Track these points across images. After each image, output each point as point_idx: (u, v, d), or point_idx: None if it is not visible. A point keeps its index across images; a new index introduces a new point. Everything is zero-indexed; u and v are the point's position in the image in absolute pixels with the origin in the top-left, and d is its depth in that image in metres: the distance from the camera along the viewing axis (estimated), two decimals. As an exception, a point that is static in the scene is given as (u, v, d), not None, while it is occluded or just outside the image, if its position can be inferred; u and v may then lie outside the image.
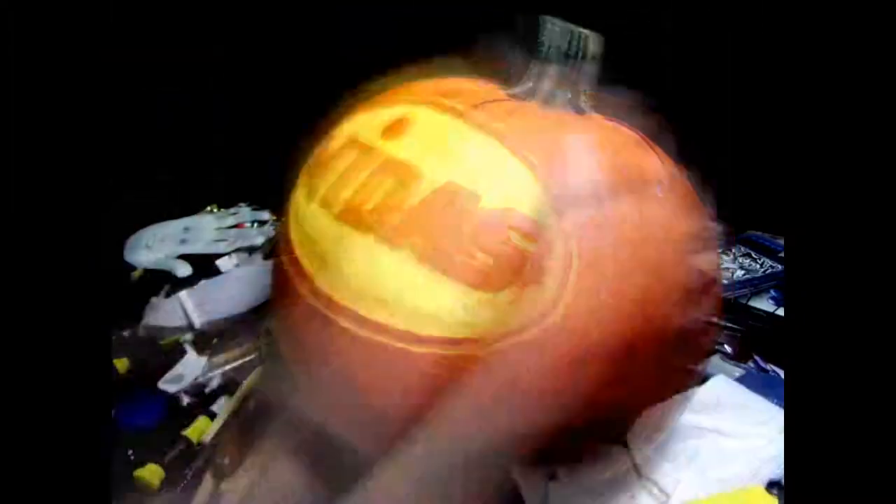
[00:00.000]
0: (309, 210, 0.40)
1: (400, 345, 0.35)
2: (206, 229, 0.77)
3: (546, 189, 0.36)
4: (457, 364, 0.35)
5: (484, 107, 0.40)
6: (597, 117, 0.45)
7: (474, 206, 0.36)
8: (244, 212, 0.84)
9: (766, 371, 0.61)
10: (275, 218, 0.84)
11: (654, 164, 0.41)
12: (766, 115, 0.71)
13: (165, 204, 0.78)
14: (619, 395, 0.37)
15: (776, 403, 0.55)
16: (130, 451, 0.51)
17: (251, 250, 0.77)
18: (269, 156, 0.84)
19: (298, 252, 0.40)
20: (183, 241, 0.74)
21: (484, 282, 0.35)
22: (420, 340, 0.35)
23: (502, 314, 0.34)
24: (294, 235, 0.41)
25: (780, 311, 0.67)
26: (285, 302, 0.40)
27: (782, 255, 0.75)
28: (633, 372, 0.37)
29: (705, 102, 0.74)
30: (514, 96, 0.44)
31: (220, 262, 0.74)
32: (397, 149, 0.39)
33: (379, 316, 0.35)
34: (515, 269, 0.35)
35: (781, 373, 0.60)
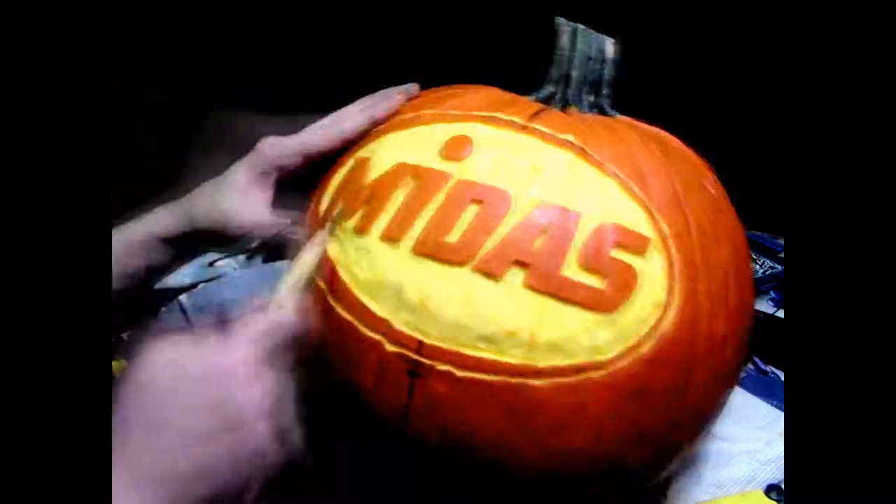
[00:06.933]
0: (367, 247, 0.36)
1: (516, 380, 0.33)
2: None
3: (635, 198, 0.35)
4: (580, 390, 0.34)
5: (540, 118, 0.38)
6: (629, 120, 0.44)
7: (575, 225, 0.34)
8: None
9: (765, 373, 0.61)
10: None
11: (698, 161, 0.42)
12: (765, 115, 0.71)
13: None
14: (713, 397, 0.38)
15: (776, 406, 0.55)
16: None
17: (250, 253, 0.77)
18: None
19: (360, 296, 0.36)
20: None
21: (600, 303, 0.33)
22: (539, 373, 0.33)
23: (622, 332, 0.34)
24: (348, 278, 0.36)
25: (780, 313, 0.66)
26: (351, 357, 0.36)
27: (782, 255, 0.75)
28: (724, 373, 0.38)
29: (705, 103, 0.74)
30: (540, 102, 0.43)
31: (219, 265, 0.74)
32: (467, 171, 0.36)
33: (487, 353, 0.33)
34: (628, 285, 0.34)
35: (781, 375, 0.60)
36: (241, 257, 0.76)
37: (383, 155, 0.39)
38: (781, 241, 0.78)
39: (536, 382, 0.33)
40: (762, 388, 0.57)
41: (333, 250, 0.38)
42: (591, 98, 0.44)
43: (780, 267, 0.73)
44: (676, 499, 0.47)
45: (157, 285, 0.68)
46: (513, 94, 0.43)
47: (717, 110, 0.76)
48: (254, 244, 0.68)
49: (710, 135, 0.44)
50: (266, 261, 0.78)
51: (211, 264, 0.73)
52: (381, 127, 0.42)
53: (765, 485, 0.48)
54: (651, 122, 0.44)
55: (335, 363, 0.37)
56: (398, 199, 0.36)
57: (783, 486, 0.47)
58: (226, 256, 0.76)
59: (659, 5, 0.77)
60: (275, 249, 0.46)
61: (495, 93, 0.43)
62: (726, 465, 0.49)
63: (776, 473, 0.48)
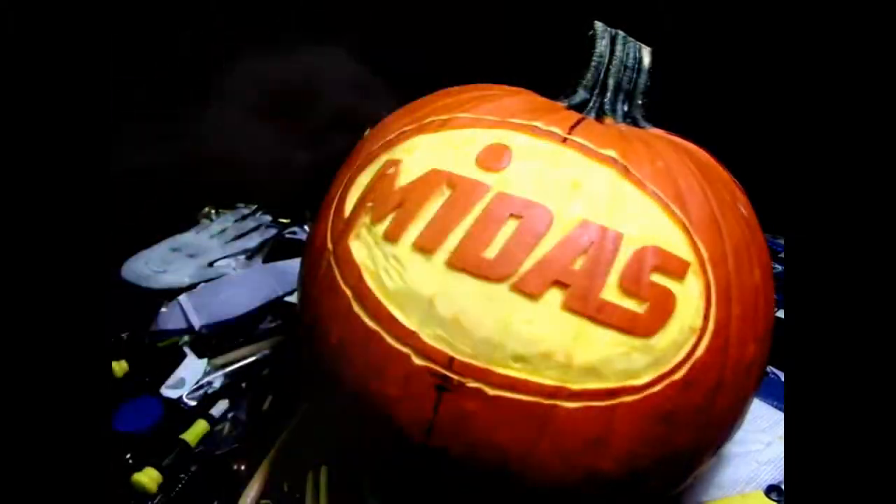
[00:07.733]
0: (398, 256, 0.35)
1: (549, 402, 0.33)
2: (199, 240, 0.77)
3: (674, 219, 0.35)
4: (612, 414, 0.33)
5: (579, 130, 0.37)
6: (661, 132, 0.43)
7: (616, 247, 0.33)
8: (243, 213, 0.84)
9: (765, 373, 0.61)
10: (272, 220, 0.84)
11: (729, 179, 0.41)
12: (765, 115, 0.71)
13: (163, 205, 0.78)
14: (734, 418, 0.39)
15: (776, 406, 0.54)
16: (128, 455, 0.51)
17: (250, 253, 0.77)
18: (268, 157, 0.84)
19: (388, 306, 0.35)
20: (192, 256, 0.74)
21: (638, 327, 0.33)
22: (573, 395, 0.33)
23: (658, 357, 0.33)
24: (374, 285, 0.35)
25: (780, 313, 0.66)
26: (375, 366, 0.35)
27: (782, 255, 0.75)
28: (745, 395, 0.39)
29: (704, 102, 0.74)
30: (572, 108, 0.42)
31: (219, 265, 0.74)
32: (506, 183, 0.35)
33: (520, 373, 0.33)
34: (666, 310, 0.34)
35: (781, 375, 0.60)
36: (241, 257, 0.76)
37: (415, 158, 0.38)
38: (781, 241, 0.78)
39: (569, 405, 0.33)
40: (762, 389, 0.57)
41: (361, 255, 0.36)
42: (625, 108, 0.43)
43: (780, 267, 0.73)
44: (676, 500, 0.47)
45: (157, 285, 0.69)
46: (549, 100, 0.42)
47: (717, 110, 0.76)
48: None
49: (710, 135, 0.44)
50: (266, 261, 0.78)
51: (211, 264, 0.73)
52: (410, 128, 0.40)
53: (765, 485, 0.48)
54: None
55: (358, 371, 0.36)
56: (432, 207, 0.35)
57: (783, 487, 0.47)
58: (226, 257, 0.76)
59: (656, 8, 0.77)
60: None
61: (532, 98, 0.42)
62: (726, 466, 0.49)
63: (776, 474, 0.48)
